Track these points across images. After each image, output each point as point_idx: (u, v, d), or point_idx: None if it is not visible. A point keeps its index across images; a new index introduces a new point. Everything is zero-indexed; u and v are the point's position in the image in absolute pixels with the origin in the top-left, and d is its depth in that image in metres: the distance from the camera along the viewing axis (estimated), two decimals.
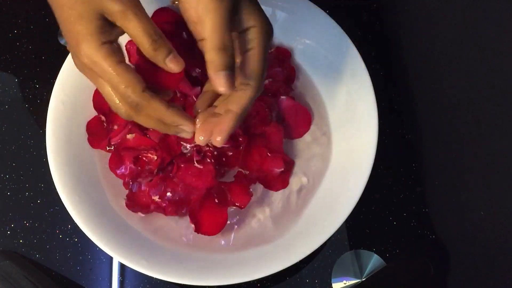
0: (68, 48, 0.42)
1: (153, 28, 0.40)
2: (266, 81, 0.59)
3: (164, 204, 0.54)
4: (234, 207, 0.55)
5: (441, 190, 0.60)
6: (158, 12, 0.59)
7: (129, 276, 0.58)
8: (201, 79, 0.56)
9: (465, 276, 0.56)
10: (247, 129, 0.58)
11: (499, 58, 0.44)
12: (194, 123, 0.44)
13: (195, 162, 0.55)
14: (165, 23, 0.55)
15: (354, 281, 0.58)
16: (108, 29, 0.40)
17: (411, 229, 0.61)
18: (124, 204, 0.54)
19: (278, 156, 0.57)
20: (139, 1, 0.40)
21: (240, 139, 0.56)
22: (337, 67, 0.59)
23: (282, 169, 0.56)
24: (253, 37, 0.43)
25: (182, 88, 0.56)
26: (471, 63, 0.49)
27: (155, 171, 0.55)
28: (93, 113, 0.58)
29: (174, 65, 0.41)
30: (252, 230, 0.55)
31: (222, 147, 0.55)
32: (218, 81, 0.41)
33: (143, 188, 0.55)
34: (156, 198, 0.54)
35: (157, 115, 0.42)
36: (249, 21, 0.43)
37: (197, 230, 0.53)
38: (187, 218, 0.55)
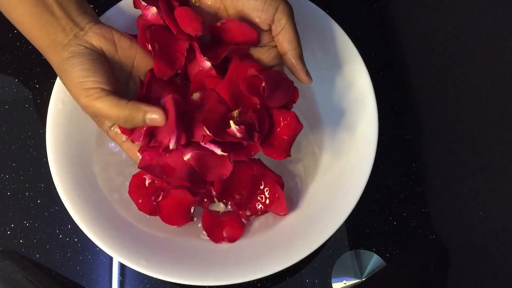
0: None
1: (123, 111, 0.44)
2: None
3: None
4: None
5: (441, 190, 0.60)
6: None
7: (129, 276, 0.58)
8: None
9: (465, 276, 0.56)
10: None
11: (499, 57, 0.44)
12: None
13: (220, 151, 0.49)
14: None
15: (354, 281, 0.58)
16: None
17: (411, 229, 0.61)
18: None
19: (280, 199, 0.53)
20: (118, 98, 0.44)
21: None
22: (337, 67, 0.59)
23: (287, 212, 0.54)
24: (281, 16, 0.48)
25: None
26: (471, 63, 0.49)
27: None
28: None
29: (155, 120, 0.44)
30: (252, 230, 0.55)
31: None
32: (304, 77, 0.49)
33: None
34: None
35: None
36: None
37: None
38: None
